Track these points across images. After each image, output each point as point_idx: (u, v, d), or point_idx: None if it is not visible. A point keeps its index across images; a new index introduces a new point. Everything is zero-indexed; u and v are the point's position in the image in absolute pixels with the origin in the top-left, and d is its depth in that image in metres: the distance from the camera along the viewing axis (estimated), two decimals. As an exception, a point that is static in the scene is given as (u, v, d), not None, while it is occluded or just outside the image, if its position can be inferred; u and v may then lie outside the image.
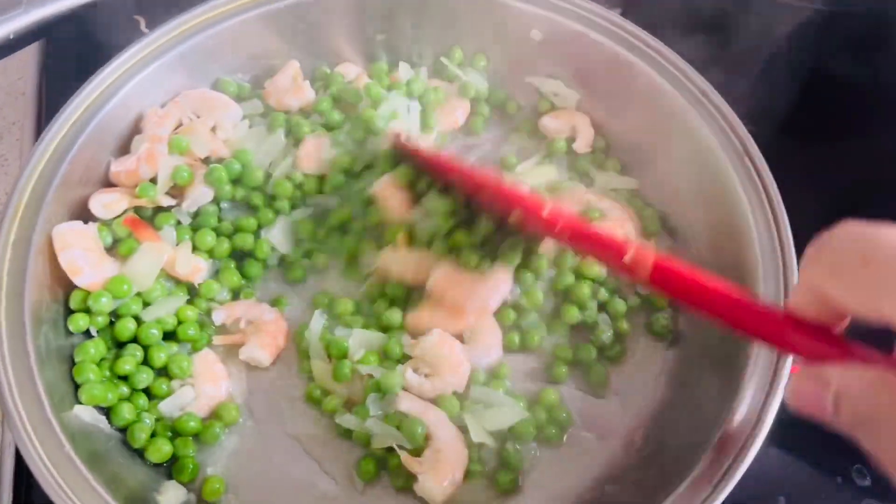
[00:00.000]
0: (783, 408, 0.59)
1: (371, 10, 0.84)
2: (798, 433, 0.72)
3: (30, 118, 0.92)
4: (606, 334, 0.72)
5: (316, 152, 0.79)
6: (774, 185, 0.69)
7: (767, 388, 0.60)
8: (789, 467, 0.71)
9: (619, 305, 0.74)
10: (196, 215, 0.76)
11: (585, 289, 0.73)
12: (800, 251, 0.66)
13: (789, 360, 0.61)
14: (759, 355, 0.61)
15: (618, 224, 0.77)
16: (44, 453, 0.57)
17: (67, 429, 0.59)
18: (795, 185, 0.69)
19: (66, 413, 0.61)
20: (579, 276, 0.74)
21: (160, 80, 0.77)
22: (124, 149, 0.76)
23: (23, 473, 0.68)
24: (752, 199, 0.68)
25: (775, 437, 0.58)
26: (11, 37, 0.75)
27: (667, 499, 0.56)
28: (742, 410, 0.59)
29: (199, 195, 0.75)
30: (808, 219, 0.68)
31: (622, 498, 0.64)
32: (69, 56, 0.93)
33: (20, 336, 0.61)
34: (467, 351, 0.70)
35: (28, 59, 0.97)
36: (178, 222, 0.75)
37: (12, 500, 0.67)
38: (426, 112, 0.84)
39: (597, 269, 0.74)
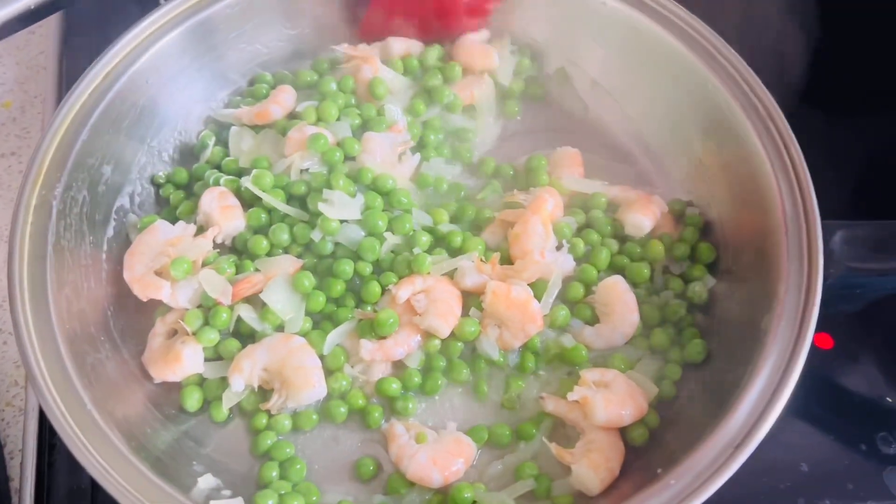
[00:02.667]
0: (805, 377, 0.58)
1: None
2: (821, 402, 0.72)
3: (51, 92, 0.93)
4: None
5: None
6: (798, 149, 0.67)
7: (790, 353, 0.59)
8: (812, 436, 0.70)
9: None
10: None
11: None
12: (823, 218, 0.64)
13: (811, 328, 0.60)
14: (782, 321, 0.60)
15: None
16: (68, 413, 0.57)
17: (91, 390, 0.60)
18: (817, 157, 0.68)
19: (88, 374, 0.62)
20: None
21: (178, 48, 0.77)
22: (145, 119, 0.77)
23: (45, 433, 0.70)
24: (776, 164, 0.67)
25: (798, 406, 0.58)
26: (32, 6, 0.75)
27: (687, 459, 0.55)
28: (763, 374, 0.58)
29: (233, 227, 0.73)
30: (830, 192, 0.67)
31: (643, 457, 0.64)
32: (90, 31, 0.93)
33: (42, 298, 0.62)
34: (602, 329, 0.69)
35: (49, 34, 0.98)
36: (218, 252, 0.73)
37: (36, 460, 0.68)
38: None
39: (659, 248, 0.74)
